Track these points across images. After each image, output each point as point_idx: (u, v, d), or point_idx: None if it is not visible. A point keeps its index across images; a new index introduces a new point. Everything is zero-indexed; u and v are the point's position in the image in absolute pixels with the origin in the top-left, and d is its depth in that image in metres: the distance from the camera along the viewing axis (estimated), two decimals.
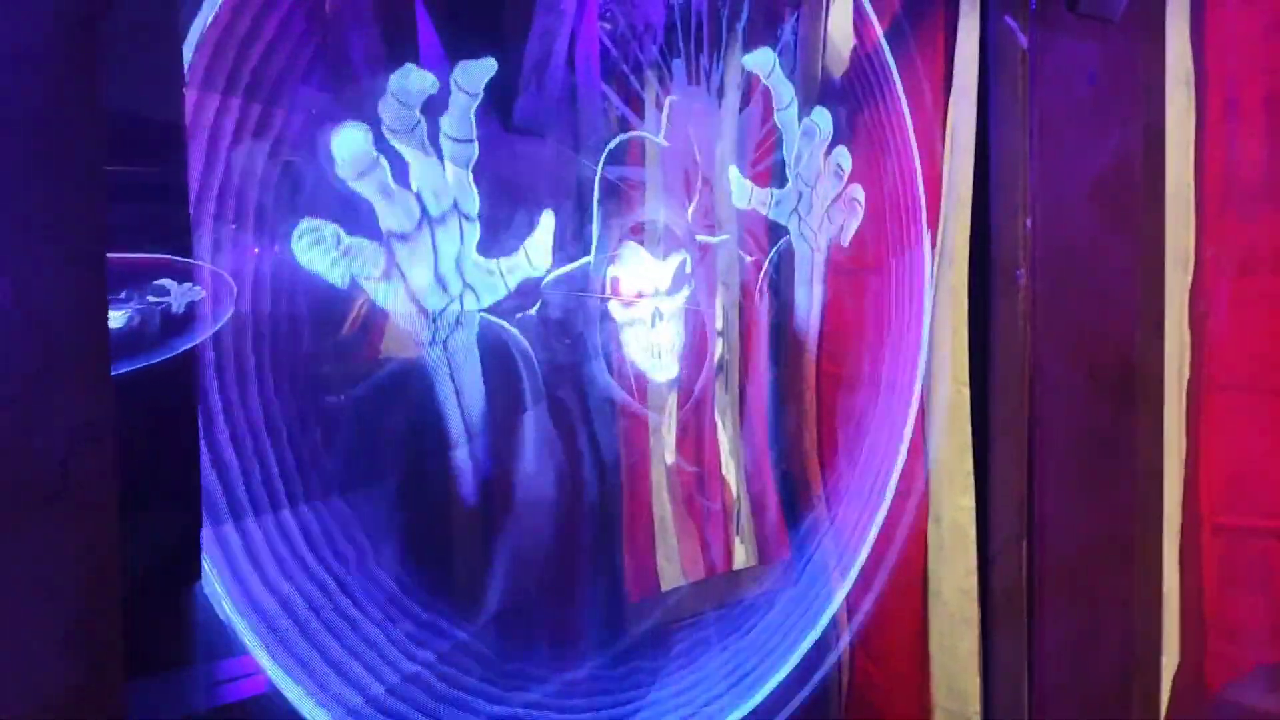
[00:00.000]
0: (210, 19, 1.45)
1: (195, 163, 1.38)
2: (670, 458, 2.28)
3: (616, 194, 2.13)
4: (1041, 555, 2.26)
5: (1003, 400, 2.28)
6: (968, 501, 2.33)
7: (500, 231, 1.86)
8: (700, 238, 2.24)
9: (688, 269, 2.21)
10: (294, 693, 1.29)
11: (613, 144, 2.13)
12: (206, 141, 1.43)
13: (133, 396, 1.07)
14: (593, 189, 2.08)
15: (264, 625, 1.27)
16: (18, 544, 0.98)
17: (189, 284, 1.29)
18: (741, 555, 2.42)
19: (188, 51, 1.40)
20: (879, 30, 2.39)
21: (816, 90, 2.43)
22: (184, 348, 1.25)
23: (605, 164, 2.12)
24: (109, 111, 1.07)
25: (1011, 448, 2.26)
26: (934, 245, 2.36)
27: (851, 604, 2.39)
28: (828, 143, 2.41)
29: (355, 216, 1.64)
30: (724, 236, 2.31)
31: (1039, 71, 2.22)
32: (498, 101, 1.89)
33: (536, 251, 1.91)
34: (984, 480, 2.30)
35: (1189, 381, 2.37)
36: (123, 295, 1.21)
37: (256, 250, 1.52)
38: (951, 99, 2.35)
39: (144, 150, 1.35)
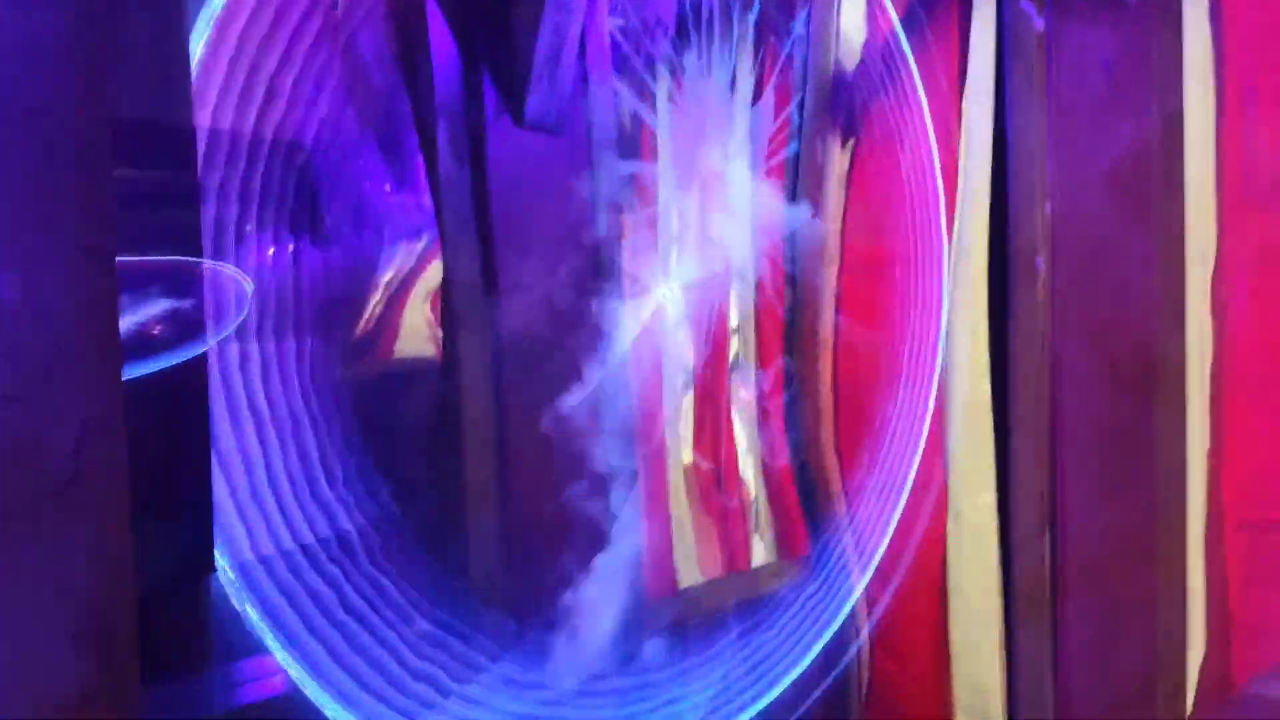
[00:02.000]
0: (217, 17, 1.43)
1: (210, 163, 1.37)
2: (687, 455, 2.27)
3: (630, 192, 2.11)
4: (1064, 551, 2.23)
5: (1023, 395, 2.26)
6: (988, 498, 2.30)
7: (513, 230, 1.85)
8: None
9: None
10: (313, 692, 1.28)
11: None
12: (222, 141, 1.42)
13: (145, 392, 1.06)
14: (604, 181, 2.06)
15: (279, 621, 1.25)
16: (29, 540, 0.96)
17: (200, 284, 1.28)
18: (760, 552, 2.40)
19: (196, 49, 1.39)
20: (894, 19, 2.37)
21: (829, 81, 2.41)
22: (198, 348, 1.24)
23: (617, 159, 2.10)
24: (121, 113, 1.06)
25: (1032, 443, 2.24)
26: (950, 237, 2.34)
27: (871, 600, 2.36)
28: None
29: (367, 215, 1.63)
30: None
31: (1055, 58, 2.19)
32: (509, 98, 1.87)
33: None
34: (1005, 476, 2.28)
35: (1211, 375, 2.34)
36: (137, 296, 1.20)
37: (272, 250, 1.51)
38: (967, 88, 2.33)
39: (155, 150, 1.34)
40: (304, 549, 1.31)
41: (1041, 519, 2.25)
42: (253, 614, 1.22)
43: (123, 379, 0.98)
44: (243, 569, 1.21)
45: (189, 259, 1.30)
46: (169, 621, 1.13)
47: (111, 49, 1.09)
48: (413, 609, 1.47)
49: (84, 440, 0.97)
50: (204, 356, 1.21)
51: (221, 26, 1.43)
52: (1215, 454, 2.35)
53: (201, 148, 1.39)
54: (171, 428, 1.14)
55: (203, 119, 1.39)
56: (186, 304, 1.27)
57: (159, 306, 1.24)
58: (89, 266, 0.97)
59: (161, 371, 1.13)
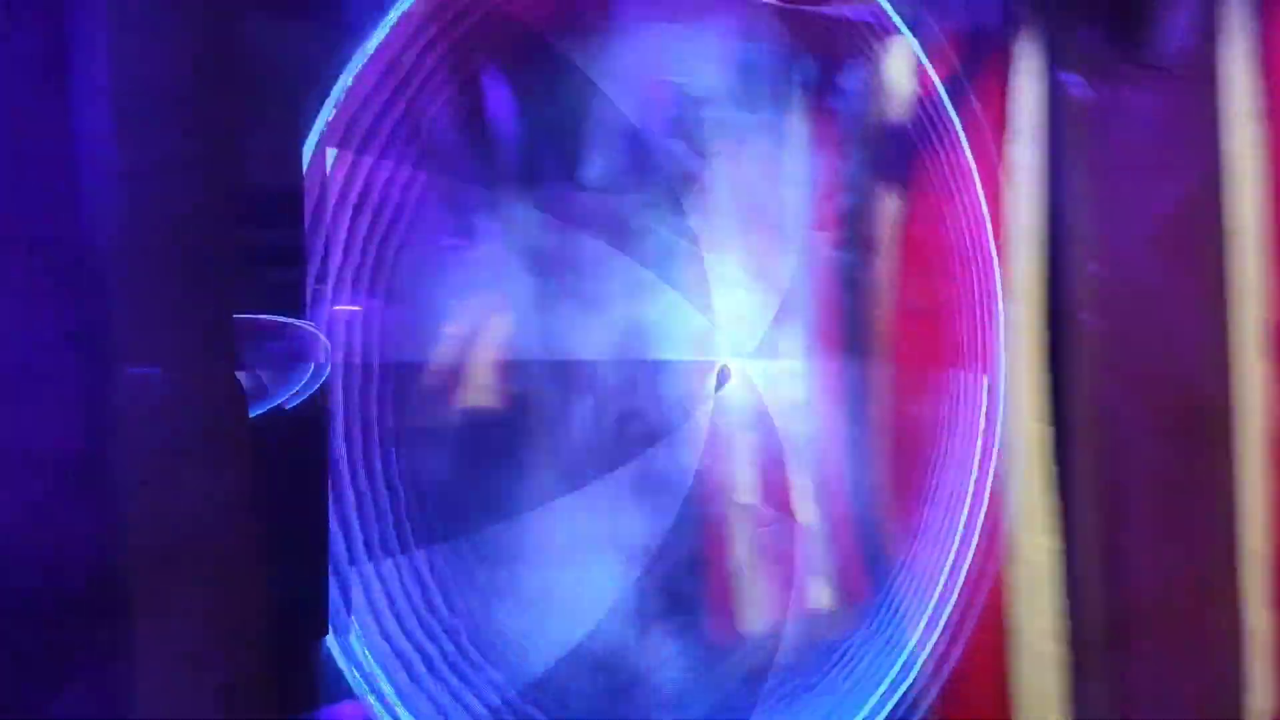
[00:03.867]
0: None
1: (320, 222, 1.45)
2: (746, 498, 2.32)
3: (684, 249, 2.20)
4: (1125, 599, 2.26)
5: (1078, 441, 2.30)
6: (1048, 541, 2.33)
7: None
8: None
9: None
10: None
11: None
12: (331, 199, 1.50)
13: (268, 460, 1.16)
14: (657, 242, 2.14)
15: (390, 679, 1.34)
16: (167, 608, 1.07)
17: (301, 343, 1.36)
18: (819, 596, 2.45)
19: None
20: (937, 77, 2.44)
21: (879, 133, 2.49)
22: (294, 403, 1.33)
23: (673, 216, 2.19)
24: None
25: (1089, 488, 2.28)
26: (1003, 285, 2.39)
27: (930, 645, 2.39)
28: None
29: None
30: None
31: (1098, 119, 2.25)
32: (566, 161, 1.97)
33: None
34: (1064, 521, 2.31)
35: (1267, 418, 2.36)
36: (245, 356, 1.28)
37: (360, 307, 1.60)
38: (1011, 144, 2.38)
39: (263, 210, 1.40)
40: (397, 608, 1.41)
41: (1102, 564, 2.28)
42: (355, 673, 1.31)
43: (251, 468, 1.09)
44: (344, 630, 1.30)
45: (290, 319, 1.37)
46: (288, 678, 1.23)
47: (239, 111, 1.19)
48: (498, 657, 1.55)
49: (218, 512, 1.08)
50: (324, 420, 1.30)
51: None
52: (1276, 498, 2.36)
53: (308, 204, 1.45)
54: (290, 495, 1.24)
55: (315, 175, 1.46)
56: (293, 364, 1.36)
57: (266, 364, 1.33)
58: (218, 353, 1.09)
59: (282, 441, 1.22)
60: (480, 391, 1.82)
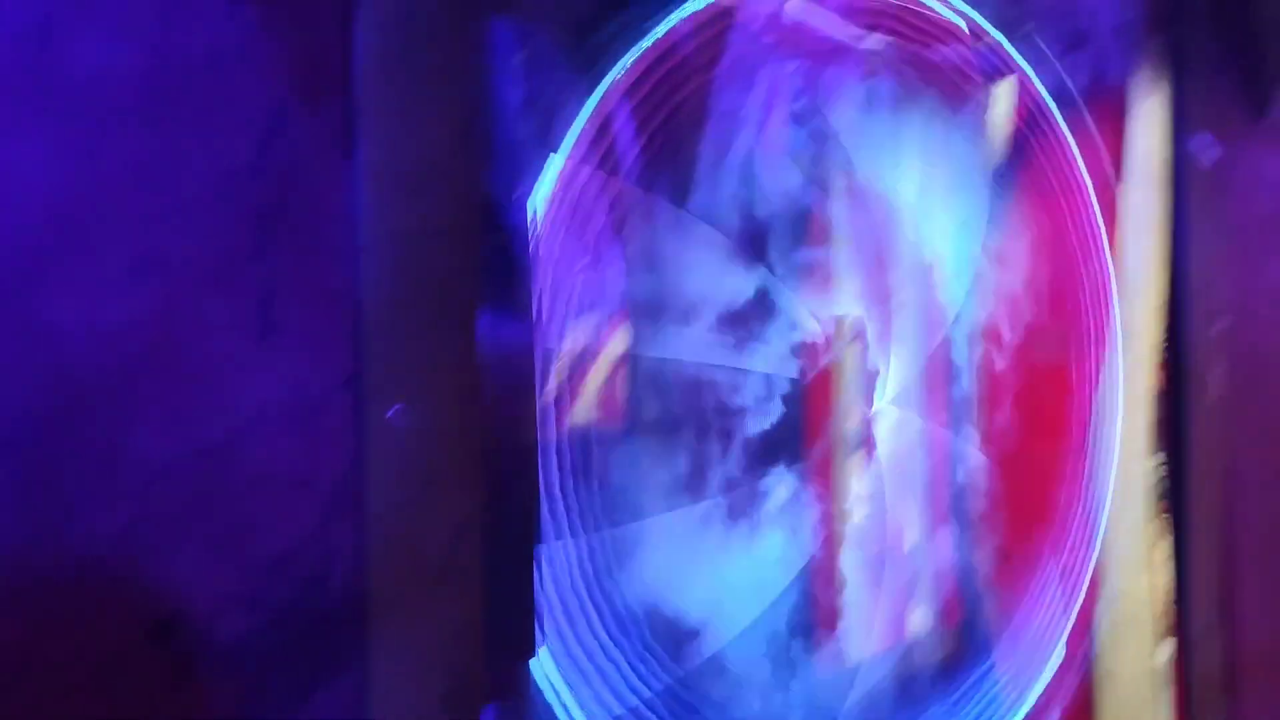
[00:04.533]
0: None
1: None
2: (853, 532, 2.41)
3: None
4: (1240, 645, 2.32)
5: (1194, 487, 2.35)
6: (1146, 579, 2.38)
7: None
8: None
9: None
10: None
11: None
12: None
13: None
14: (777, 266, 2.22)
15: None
16: (407, 620, 1.20)
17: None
18: (920, 625, 2.52)
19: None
20: (1057, 115, 2.51)
21: (997, 165, 2.55)
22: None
23: (790, 249, 2.27)
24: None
25: (1206, 536, 2.34)
26: (1117, 333, 2.45)
27: (1023, 680, 2.45)
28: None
29: None
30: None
31: (1226, 177, 2.31)
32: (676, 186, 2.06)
33: None
34: (1178, 566, 2.37)
35: None
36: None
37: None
38: (1127, 174, 2.43)
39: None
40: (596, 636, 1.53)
41: (1216, 612, 2.34)
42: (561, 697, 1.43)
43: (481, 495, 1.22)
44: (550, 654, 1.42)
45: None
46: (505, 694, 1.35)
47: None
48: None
49: (453, 540, 1.21)
50: (533, 444, 1.41)
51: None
52: None
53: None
54: (507, 519, 1.36)
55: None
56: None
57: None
58: (460, 391, 1.21)
59: (503, 467, 1.34)
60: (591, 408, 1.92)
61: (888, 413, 2.39)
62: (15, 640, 1.02)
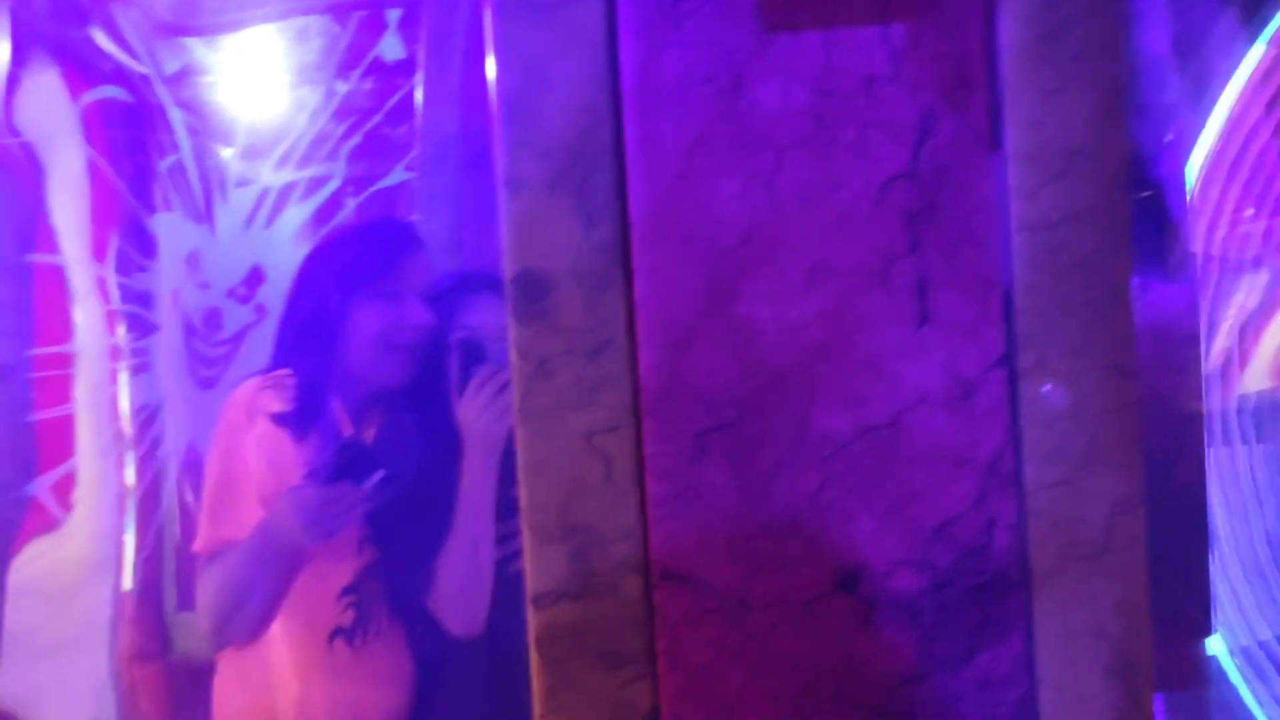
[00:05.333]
0: None
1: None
2: None
3: None
4: None
5: None
6: None
7: None
8: None
9: None
10: None
11: None
12: None
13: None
14: None
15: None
16: (1067, 593, 1.24)
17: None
18: None
19: None
20: None
21: None
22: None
23: None
24: None
25: None
26: None
27: None
28: None
29: None
30: None
31: None
32: None
33: None
34: None
35: None
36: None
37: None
38: None
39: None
40: None
41: None
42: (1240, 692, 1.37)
43: (1142, 472, 1.21)
44: (1244, 652, 1.36)
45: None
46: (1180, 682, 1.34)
47: None
48: None
49: (1113, 515, 1.23)
50: (1198, 414, 1.37)
51: None
52: None
53: None
54: (1167, 498, 1.34)
55: None
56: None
57: None
58: (1118, 380, 1.22)
59: (1156, 440, 1.32)
60: None
61: None
62: (738, 580, 1.27)
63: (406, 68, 2.40)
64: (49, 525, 2.03)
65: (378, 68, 2.46)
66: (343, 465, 1.71)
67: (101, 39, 2.29)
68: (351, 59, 2.46)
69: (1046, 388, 1.24)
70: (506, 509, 1.61)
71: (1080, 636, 1.25)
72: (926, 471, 1.25)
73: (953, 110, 1.23)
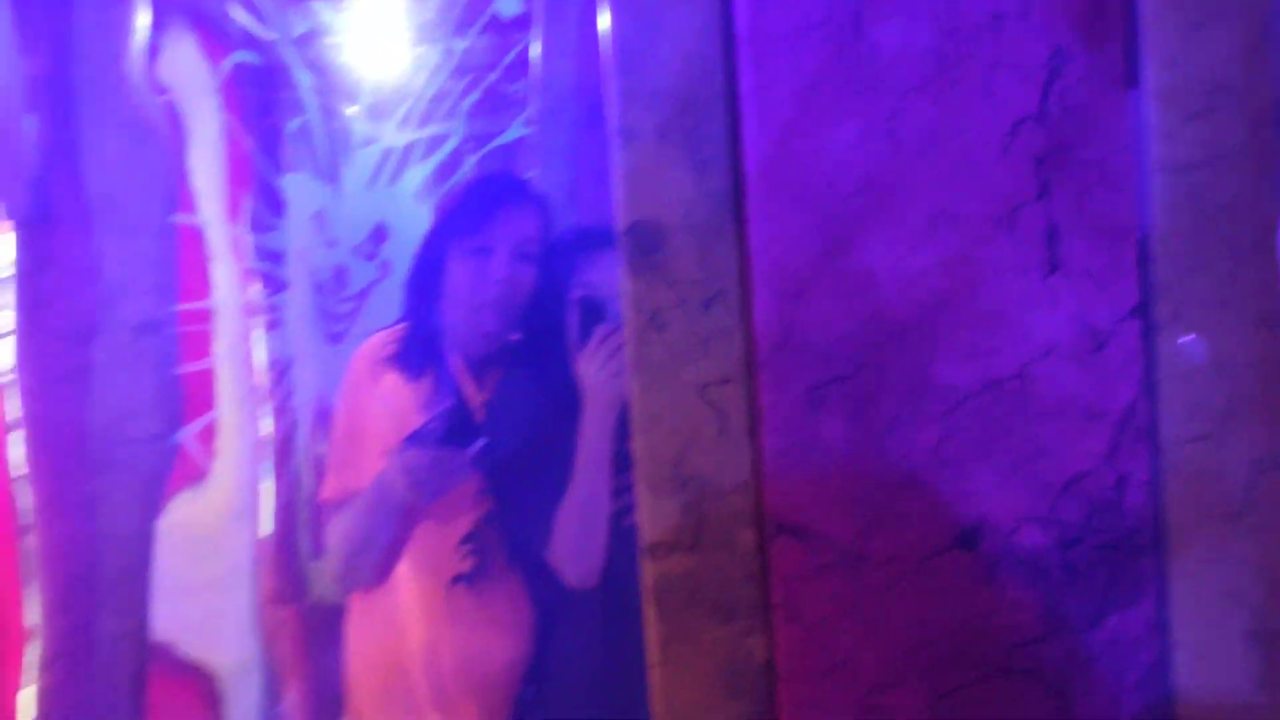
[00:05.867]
0: None
1: None
2: None
3: None
4: None
5: None
6: None
7: None
8: None
9: None
10: None
11: None
12: None
13: None
14: None
15: None
16: (1207, 553, 1.18)
17: None
18: None
19: None
20: None
21: None
22: None
23: None
24: None
25: None
26: None
27: None
28: None
29: None
30: None
31: None
32: None
33: None
34: None
35: None
36: None
37: None
38: None
39: None
40: None
41: None
42: None
43: None
44: None
45: None
46: None
47: None
48: None
49: (1255, 473, 1.16)
50: None
51: None
52: None
53: None
54: None
55: None
56: None
57: None
58: (1263, 332, 1.15)
59: None
60: None
61: None
62: (855, 534, 1.25)
63: (522, 23, 2.41)
64: (196, 475, 2.14)
65: (494, 24, 2.48)
66: (448, 430, 1.76)
67: (234, 6, 2.36)
68: (469, 16, 2.49)
69: (1187, 339, 1.17)
70: (623, 462, 1.62)
71: (1218, 600, 1.19)
72: (1055, 425, 1.21)
73: (1085, 47, 1.17)
